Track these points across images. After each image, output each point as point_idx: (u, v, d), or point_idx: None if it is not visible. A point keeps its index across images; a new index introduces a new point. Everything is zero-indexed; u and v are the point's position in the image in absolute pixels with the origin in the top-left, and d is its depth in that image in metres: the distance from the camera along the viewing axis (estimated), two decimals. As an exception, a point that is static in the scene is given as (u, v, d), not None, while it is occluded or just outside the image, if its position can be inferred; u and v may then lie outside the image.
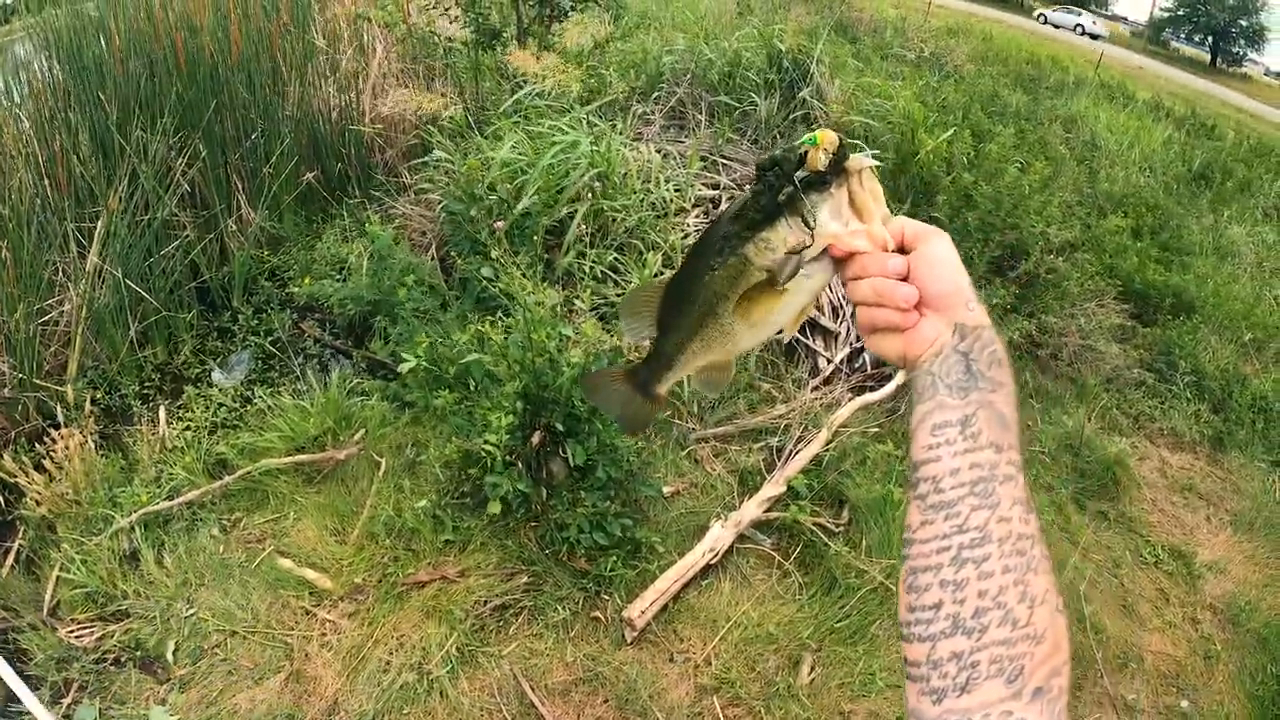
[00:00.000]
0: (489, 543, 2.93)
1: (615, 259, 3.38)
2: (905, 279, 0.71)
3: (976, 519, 0.63)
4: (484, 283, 3.16)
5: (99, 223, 3.84)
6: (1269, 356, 5.39)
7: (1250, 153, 9.66)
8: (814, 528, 2.99)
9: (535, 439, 2.81)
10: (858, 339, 3.80)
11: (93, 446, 3.33)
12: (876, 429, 3.38)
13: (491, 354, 2.87)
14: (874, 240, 0.70)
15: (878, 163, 0.72)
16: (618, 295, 3.23)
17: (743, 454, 3.30)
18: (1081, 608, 3.61)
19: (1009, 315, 3.99)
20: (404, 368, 3.02)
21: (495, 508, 2.82)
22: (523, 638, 2.87)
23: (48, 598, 2.93)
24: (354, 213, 4.09)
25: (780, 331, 0.80)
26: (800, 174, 0.70)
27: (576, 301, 3.00)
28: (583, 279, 3.24)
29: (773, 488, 3.00)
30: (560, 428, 2.77)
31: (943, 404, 0.67)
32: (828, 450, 3.18)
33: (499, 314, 3.10)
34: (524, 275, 2.95)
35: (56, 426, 3.26)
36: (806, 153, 0.70)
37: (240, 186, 4.40)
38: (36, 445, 3.24)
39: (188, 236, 4.15)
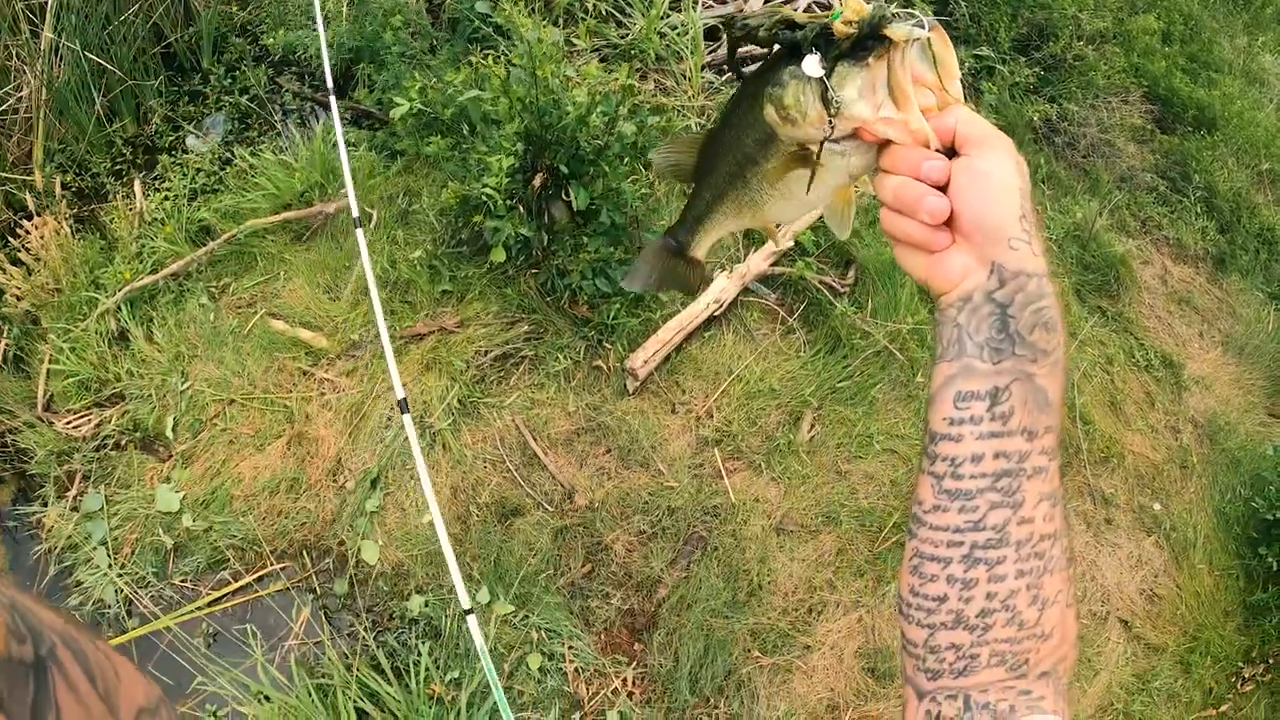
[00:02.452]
0: (488, 291, 2.85)
1: (621, -1, 3.12)
2: (944, 188, 0.57)
3: (995, 518, 0.56)
4: (476, 22, 2.90)
5: (49, -4, 3.49)
6: (1283, 191, 5.27)
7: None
8: (820, 286, 2.93)
9: (537, 182, 2.66)
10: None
11: (68, 231, 3.20)
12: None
13: (491, 92, 2.67)
14: (911, 134, 0.57)
15: (926, 32, 0.56)
16: (620, 36, 3.00)
17: (751, 211, 3.18)
18: (1073, 397, 3.66)
19: (1030, 96, 3.80)
20: (395, 113, 2.83)
21: (499, 255, 2.72)
22: (524, 388, 2.84)
23: (40, 393, 2.88)
24: (332, -44, 3.73)
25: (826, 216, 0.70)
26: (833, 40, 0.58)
27: (576, 41, 2.77)
28: (584, 18, 2.98)
29: (780, 242, 2.91)
30: (564, 170, 2.62)
31: (969, 368, 0.56)
32: (840, 211, 3.07)
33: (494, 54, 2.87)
34: (522, 11, 2.70)
35: (29, 218, 3.12)
36: (830, 27, 0.57)
37: (203, -62, 3.98)
38: (9, 240, 3.10)
39: (148, -1, 3.79)
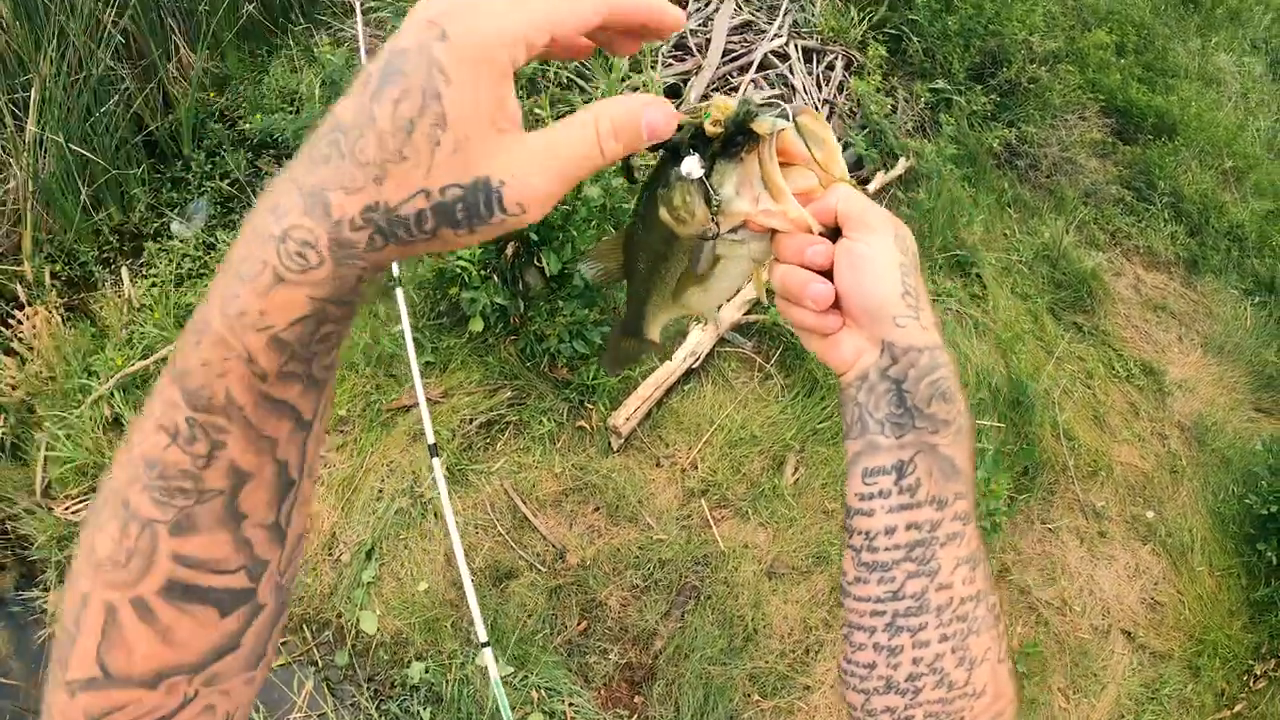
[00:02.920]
0: (469, 360, 2.91)
1: (581, 65, 3.21)
2: (829, 272, 0.59)
3: (913, 586, 0.58)
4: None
5: (32, 91, 3.61)
6: (1248, 187, 5.35)
7: (1240, -18, 9.24)
8: (793, 330, 2.99)
9: (509, 250, 2.73)
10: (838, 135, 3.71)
11: (59, 320, 3.28)
12: (856, 235, 3.33)
13: (457, 167, 2.75)
14: (791, 222, 0.59)
15: (788, 123, 0.58)
16: (583, 100, 3.10)
17: (721, 260, 3.24)
18: (1055, 415, 3.70)
19: (989, 123, 3.90)
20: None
21: (477, 324, 2.79)
22: (511, 452, 2.90)
23: (39, 480, 2.93)
24: (300, 40, 3.85)
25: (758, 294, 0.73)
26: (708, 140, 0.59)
27: (539, 111, 2.87)
28: (546, 87, 3.08)
29: (752, 290, 2.97)
30: (534, 237, 2.70)
31: (874, 444, 0.59)
32: (807, 256, 3.14)
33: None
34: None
35: (20, 308, 3.20)
36: (702, 126, 0.59)
37: (176, 28, 4.10)
38: (2, 330, 3.17)
39: (127, 89, 3.91)
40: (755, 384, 3.00)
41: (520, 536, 2.89)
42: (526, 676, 2.66)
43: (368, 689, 2.72)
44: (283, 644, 2.84)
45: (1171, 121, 4.98)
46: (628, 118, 0.47)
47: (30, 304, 3.27)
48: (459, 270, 2.75)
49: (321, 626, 2.87)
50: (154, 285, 3.46)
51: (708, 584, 2.82)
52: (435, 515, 2.90)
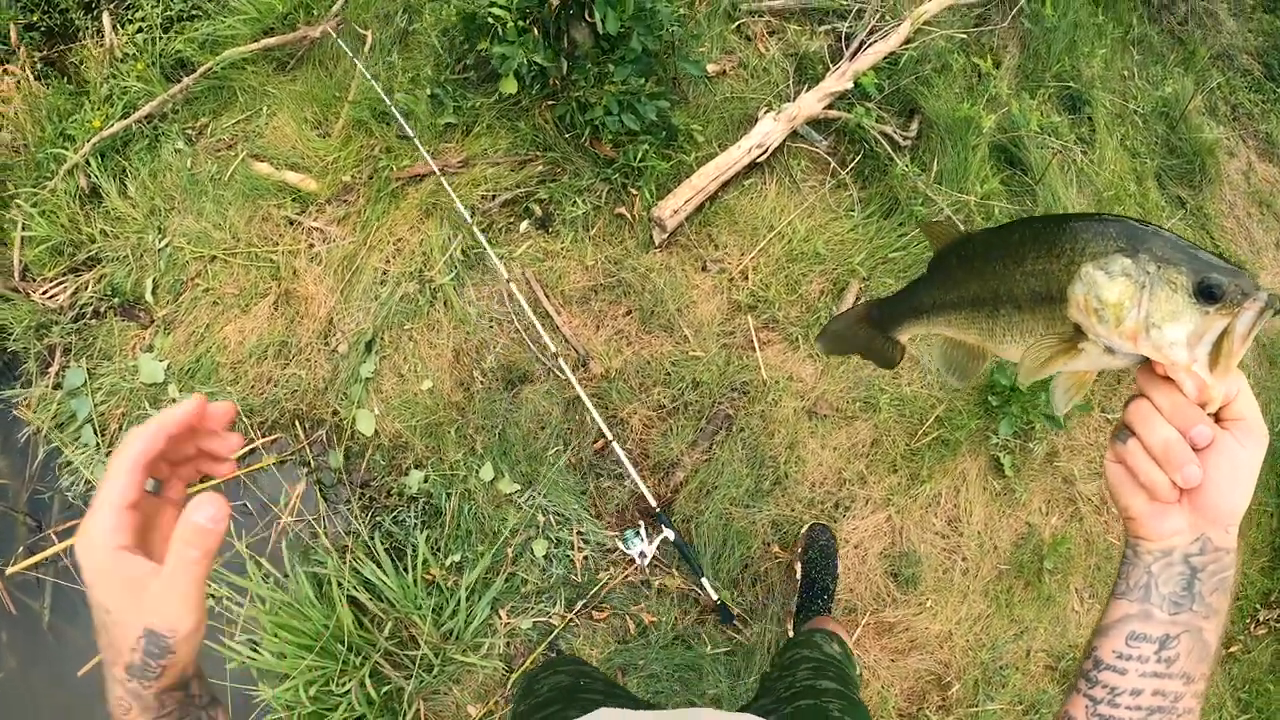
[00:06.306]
0: (496, 125, 2.49)
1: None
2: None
3: None
4: None
5: None
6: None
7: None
8: (879, 136, 2.53)
9: (555, 0, 2.26)
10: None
11: (32, 78, 2.88)
12: (964, 35, 2.83)
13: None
14: (1203, 393, 0.58)
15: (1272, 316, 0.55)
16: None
17: (804, 35, 2.74)
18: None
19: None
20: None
21: (510, 85, 2.35)
22: (536, 236, 2.51)
23: (15, 262, 2.65)
24: None
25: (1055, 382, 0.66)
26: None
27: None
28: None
29: (837, 82, 2.50)
30: (588, -18, 2.22)
31: (1148, 614, 0.62)
32: (906, 49, 2.65)
33: None
34: None
35: None
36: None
37: None
38: None
39: None
40: (826, 191, 2.57)
41: (539, 336, 2.54)
42: (533, 497, 2.38)
43: (361, 496, 2.45)
44: (273, 441, 2.58)
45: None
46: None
47: (2, 63, 2.88)
48: (491, 20, 2.29)
49: (315, 424, 2.59)
50: (139, 30, 3.03)
51: (742, 415, 2.49)
52: (445, 304, 2.55)
